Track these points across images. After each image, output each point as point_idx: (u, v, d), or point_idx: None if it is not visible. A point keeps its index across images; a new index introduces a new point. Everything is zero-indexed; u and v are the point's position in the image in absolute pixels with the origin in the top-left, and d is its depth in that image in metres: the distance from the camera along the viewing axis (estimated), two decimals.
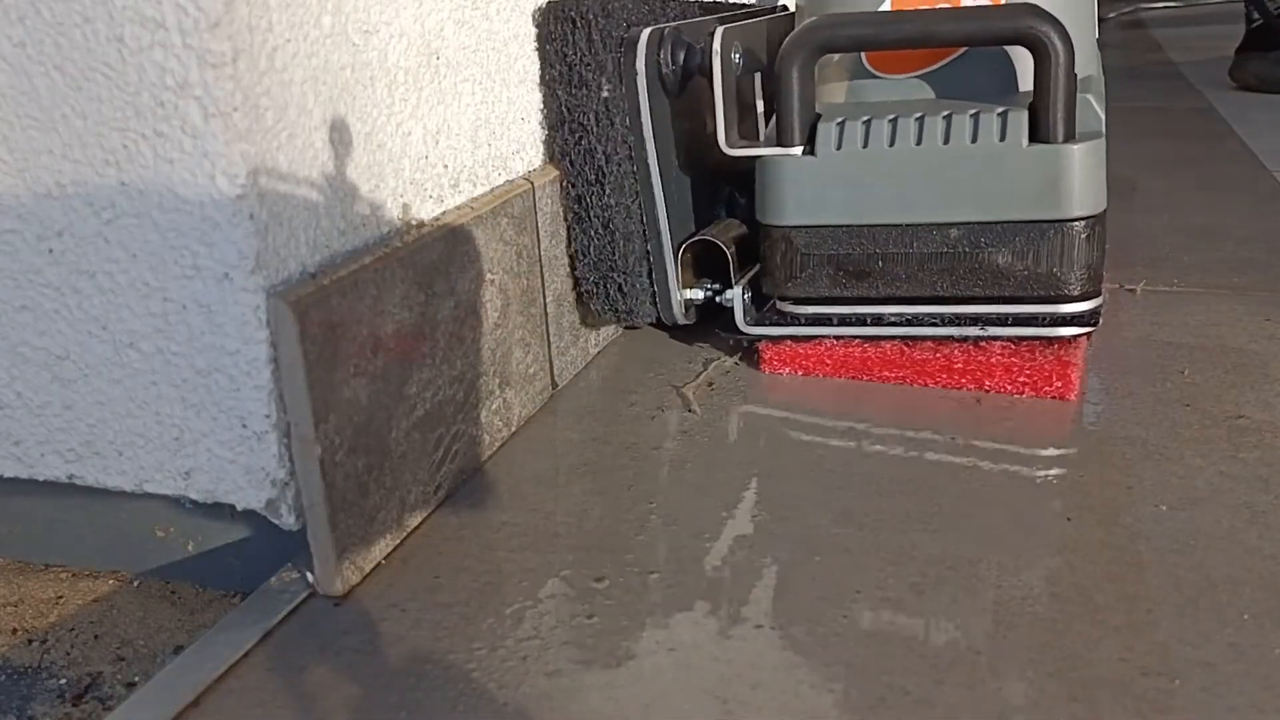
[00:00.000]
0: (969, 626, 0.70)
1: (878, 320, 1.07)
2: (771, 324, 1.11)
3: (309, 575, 0.77)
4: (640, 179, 1.06)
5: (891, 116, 1.00)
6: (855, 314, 1.07)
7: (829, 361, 1.09)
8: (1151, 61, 3.48)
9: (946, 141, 0.98)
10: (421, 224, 0.88)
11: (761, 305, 1.14)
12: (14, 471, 0.83)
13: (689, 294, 1.13)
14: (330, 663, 0.70)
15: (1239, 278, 1.32)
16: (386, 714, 0.65)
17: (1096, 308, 1.03)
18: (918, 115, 1.00)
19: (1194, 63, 3.31)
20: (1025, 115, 0.97)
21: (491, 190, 0.99)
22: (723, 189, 1.23)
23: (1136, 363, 1.09)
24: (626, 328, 1.24)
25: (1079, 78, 0.98)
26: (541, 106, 1.04)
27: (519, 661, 0.69)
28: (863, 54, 1.09)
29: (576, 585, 0.77)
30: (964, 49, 1.06)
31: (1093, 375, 1.06)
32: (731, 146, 1.07)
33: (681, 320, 1.13)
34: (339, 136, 0.77)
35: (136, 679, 0.76)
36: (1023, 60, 1.01)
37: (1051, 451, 0.92)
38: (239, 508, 0.78)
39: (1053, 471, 0.89)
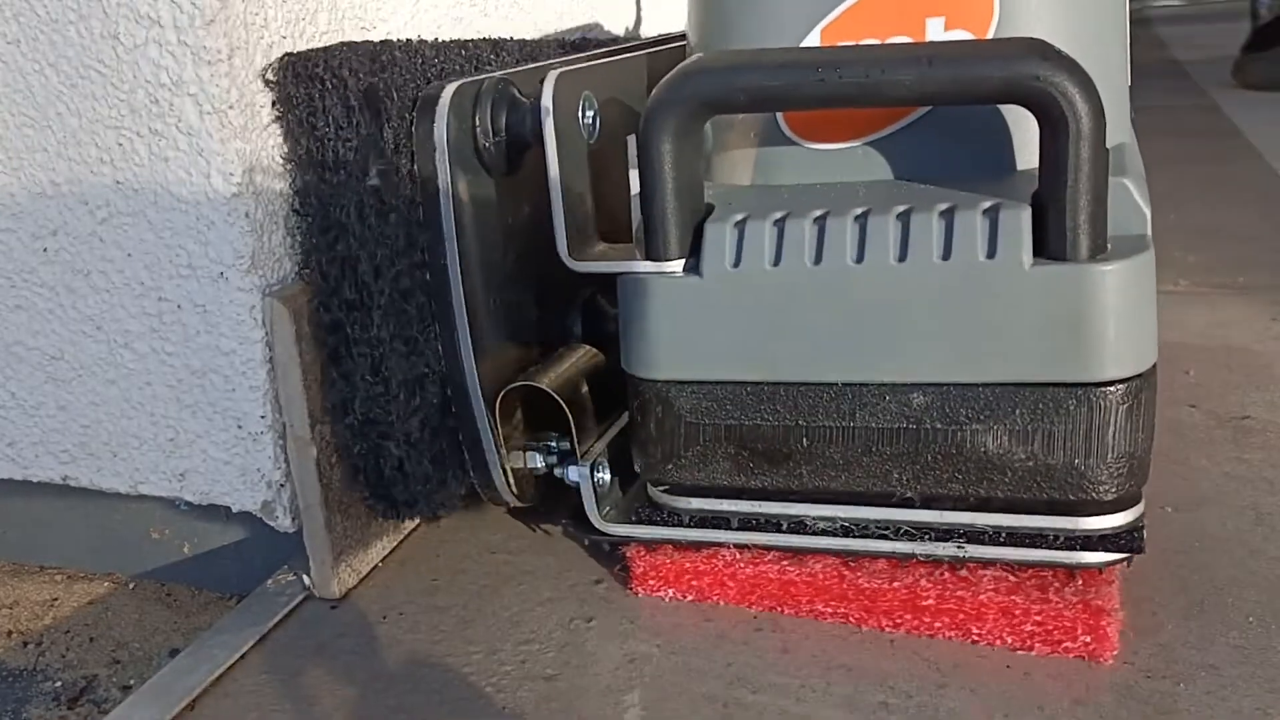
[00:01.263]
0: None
1: (799, 525, 0.71)
2: (642, 520, 0.75)
3: (305, 578, 0.77)
4: (436, 296, 0.73)
5: (819, 213, 0.65)
6: (765, 514, 0.72)
7: (732, 584, 0.73)
8: (1156, 59, 3.47)
9: (904, 257, 0.63)
10: None
11: (633, 482, 0.78)
12: (8, 473, 0.83)
13: (525, 461, 0.77)
14: (326, 665, 0.70)
15: (1244, 277, 1.31)
16: (383, 717, 0.65)
17: (1138, 520, 0.68)
18: (859, 212, 0.65)
19: (1199, 61, 3.30)
20: (1027, 214, 0.62)
21: None
22: (580, 291, 0.85)
23: None
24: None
25: (1109, 146, 0.62)
26: (290, 196, 0.73)
27: (517, 665, 0.69)
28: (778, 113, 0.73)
29: (576, 588, 0.76)
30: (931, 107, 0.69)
31: None
32: (577, 258, 0.71)
33: (512, 501, 0.78)
34: None
35: (132, 682, 0.76)
36: (1022, 122, 0.67)
37: None
38: (234, 509, 0.77)
39: None
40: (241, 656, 0.71)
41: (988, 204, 0.63)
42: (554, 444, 0.77)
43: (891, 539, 0.70)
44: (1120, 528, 0.67)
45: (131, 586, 0.87)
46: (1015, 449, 0.65)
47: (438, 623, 0.73)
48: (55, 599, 0.86)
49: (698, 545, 0.73)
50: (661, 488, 0.75)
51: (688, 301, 0.68)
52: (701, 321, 0.68)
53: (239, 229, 0.69)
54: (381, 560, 0.81)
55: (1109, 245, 0.63)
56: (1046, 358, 0.63)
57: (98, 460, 0.80)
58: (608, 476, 0.76)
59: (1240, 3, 3.05)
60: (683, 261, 0.68)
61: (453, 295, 0.73)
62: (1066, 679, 0.64)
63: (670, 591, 0.75)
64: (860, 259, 0.64)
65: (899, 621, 0.70)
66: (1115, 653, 0.66)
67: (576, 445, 0.74)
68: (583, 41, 1.05)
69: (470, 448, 0.76)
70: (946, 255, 0.63)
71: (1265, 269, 1.33)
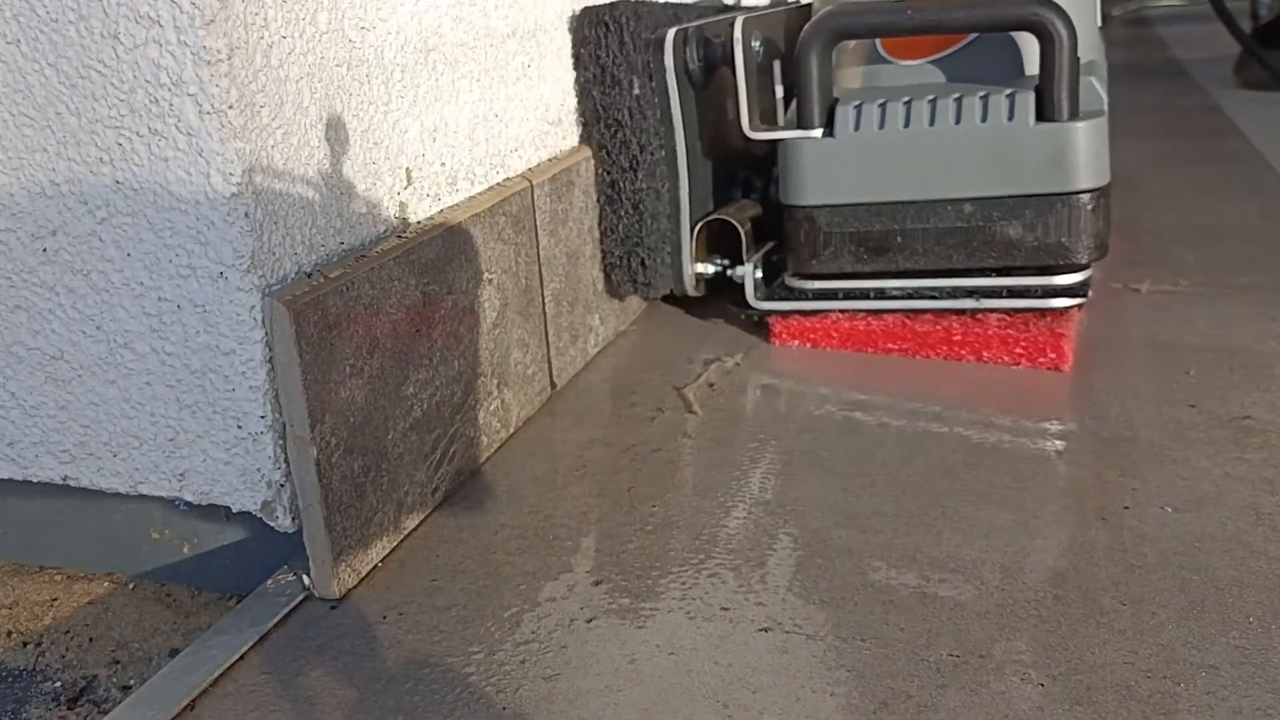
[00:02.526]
0: (972, 629, 0.69)
1: (880, 294, 1.14)
2: (780, 299, 1.18)
3: (305, 578, 0.77)
4: (668, 164, 1.16)
5: (906, 99, 1.08)
6: (859, 288, 1.15)
7: (835, 335, 1.17)
8: (1157, 59, 3.46)
9: (958, 122, 1.06)
10: (419, 222, 0.88)
11: (771, 282, 1.23)
12: (8, 473, 0.83)
13: (700, 268, 1.22)
14: (326, 666, 0.70)
15: (1245, 277, 1.31)
16: (383, 717, 0.65)
17: (1086, 280, 1.10)
18: (930, 98, 1.08)
19: (1199, 60, 3.30)
20: (1032, 96, 1.05)
21: (489, 188, 0.98)
22: (739, 172, 1.33)
23: (1142, 363, 1.08)
24: (645, 299, 1.33)
25: (1082, 61, 1.06)
26: (576, 105, 1.16)
27: (517, 665, 0.68)
28: (878, 40, 1.17)
29: (576, 588, 0.76)
30: (974, 35, 1.15)
31: (1098, 375, 1.05)
32: (754, 130, 1.16)
33: (692, 292, 1.22)
34: (335, 134, 0.77)
35: (132, 682, 0.76)
36: (1029, 45, 1.11)
37: (1057, 450, 0.91)
38: (234, 509, 0.77)
39: (1059, 473, 0.88)
40: (241, 657, 0.71)
41: (1009, 91, 1.07)
42: (720, 260, 1.24)
43: (937, 298, 1.12)
44: (1076, 283, 1.10)
45: (131, 587, 0.86)
46: (1027, 235, 1.08)
47: (438, 623, 0.73)
48: (55, 599, 0.86)
49: (815, 312, 1.17)
50: (795, 277, 1.19)
51: (825, 154, 1.12)
52: (833, 166, 1.11)
53: (239, 229, 0.69)
54: (381, 560, 0.81)
55: (1080, 113, 1.05)
56: (1045, 178, 1.06)
57: (98, 460, 0.79)
58: (760, 274, 1.21)
59: (1240, 3, 3.04)
60: (822, 130, 1.12)
61: (679, 165, 1.17)
62: (1066, 680, 0.64)
63: (795, 343, 1.19)
64: (932, 124, 1.08)
65: (939, 351, 1.12)
66: (1070, 364, 1.07)
67: (745, 252, 1.20)
68: (724, 7, 1.49)
69: (675, 257, 1.21)
70: (984, 120, 1.06)
71: (1265, 269, 1.33)
